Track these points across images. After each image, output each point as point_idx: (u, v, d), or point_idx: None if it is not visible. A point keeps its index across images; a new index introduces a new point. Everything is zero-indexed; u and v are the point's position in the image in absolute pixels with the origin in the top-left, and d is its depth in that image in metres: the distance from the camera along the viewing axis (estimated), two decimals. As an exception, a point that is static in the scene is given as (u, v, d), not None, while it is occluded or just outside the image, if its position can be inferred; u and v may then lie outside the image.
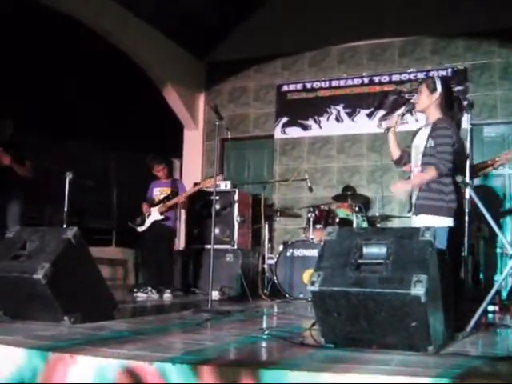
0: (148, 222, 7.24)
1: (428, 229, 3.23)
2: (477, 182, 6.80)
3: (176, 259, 7.66)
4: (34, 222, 7.69)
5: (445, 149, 4.02)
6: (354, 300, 3.04)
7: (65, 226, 6.10)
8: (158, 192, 7.39)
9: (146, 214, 7.25)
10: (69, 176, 6.22)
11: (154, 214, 7.21)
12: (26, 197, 6.57)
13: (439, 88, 4.19)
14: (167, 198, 7.22)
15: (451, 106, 4.27)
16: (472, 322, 4.01)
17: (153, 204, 7.29)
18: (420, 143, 4.25)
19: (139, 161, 9.92)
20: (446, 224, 3.99)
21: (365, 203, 8.19)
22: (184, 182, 7.88)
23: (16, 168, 6.41)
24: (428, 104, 4.24)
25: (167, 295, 6.95)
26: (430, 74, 8.60)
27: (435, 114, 4.22)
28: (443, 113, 4.21)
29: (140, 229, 7.30)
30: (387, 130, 4.47)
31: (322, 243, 3.48)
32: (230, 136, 6.19)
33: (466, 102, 5.17)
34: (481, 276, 6.77)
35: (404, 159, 4.53)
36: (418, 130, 4.43)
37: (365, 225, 7.74)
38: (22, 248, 4.20)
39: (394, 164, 4.68)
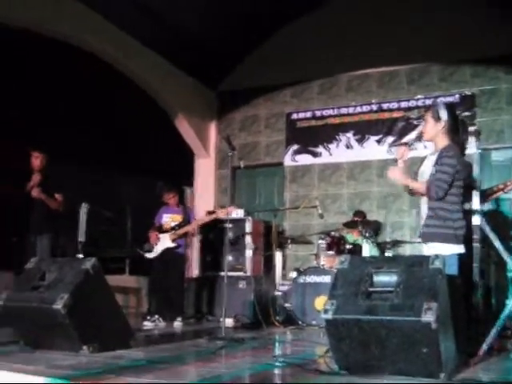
0: (159, 249, 7.28)
1: (437, 257, 3.31)
2: (487, 206, 6.83)
3: (189, 286, 7.72)
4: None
5: (442, 176, 4.04)
6: (366, 327, 3.11)
7: (81, 255, 6.20)
8: (169, 219, 7.43)
9: (155, 241, 7.28)
10: (85, 207, 6.32)
11: (165, 241, 7.26)
12: (56, 230, 6.63)
13: (444, 116, 4.21)
14: (178, 226, 7.29)
15: (457, 131, 4.29)
16: (484, 346, 4.05)
17: (161, 230, 7.34)
18: (425, 170, 4.28)
19: (151, 189, 10.06)
20: (455, 251, 4.00)
21: (375, 229, 8.24)
22: (196, 210, 7.94)
23: (48, 202, 6.48)
24: (435, 133, 4.26)
25: (177, 323, 6.99)
26: (438, 100, 8.71)
27: (442, 141, 4.24)
28: (450, 139, 4.23)
29: (149, 255, 7.32)
30: (395, 161, 4.51)
31: (333, 269, 3.55)
32: (242, 165, 6.28)
33: (473, 129, 5.21)
34: (492, 300, 6.77)
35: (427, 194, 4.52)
36: (426, 156, 4.46)
37: (375, 250, 7.79)
38: (42, 279, 4.30)
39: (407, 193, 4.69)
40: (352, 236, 8.00)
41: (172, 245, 7.22)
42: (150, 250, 7.31)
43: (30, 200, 6.42)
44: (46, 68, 8.72)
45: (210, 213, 8.26)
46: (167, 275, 7.20)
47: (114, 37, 8.17)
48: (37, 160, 6.56)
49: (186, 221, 7.35)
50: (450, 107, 4.53)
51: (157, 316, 7.05)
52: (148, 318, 7.11)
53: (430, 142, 4.43)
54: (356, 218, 7.86)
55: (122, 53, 8.39)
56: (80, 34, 7.72)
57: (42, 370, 3.30)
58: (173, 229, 7.28)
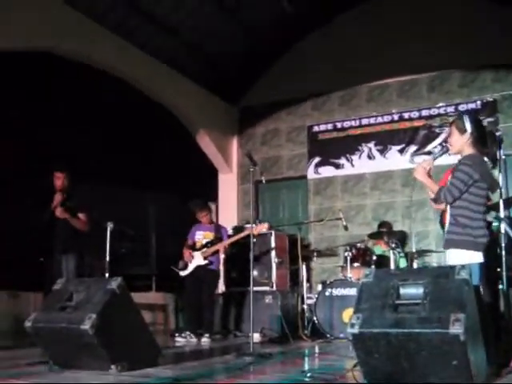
0: (191, 267, 7.33)
1: (463, 267, 3.27)
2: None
3: (215, 302, 7.73)
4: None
5: (455, 182, 4.01)
6: (394, 341, 3.08)
7: (107, 275, 6.26)
8: (201, 236, 7.50)
9: (189, 259, 7.35)
10: (110, 226, 6.39)
11: (198, 259, 7.31)
12: (81, 250, 6.66)
13: (469, 128, 4.14)
14: (211, 243, 7.34)
15: (484, 142, 4.23)
16: (515, 357, 3.99)
17: (194, 248, 7.41)
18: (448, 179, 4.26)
19: (176, 205, 10.11)
20: (474, 259, 3.95)
21: (401, 239, 8.19)
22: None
23: (72, 221, 6.53)
24: (460, 145, 4.20)
25: (205, 339, 7.01)
26: (459, 107, 8.67)
27: (468, 152, 4.17)
28: (477, 151, 4.16)
29: (182, 273, 7.39)
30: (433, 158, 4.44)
31: (359, 282, 3.53)
32: (264, 180, 6.29)
33: (497, 135, 5.15)
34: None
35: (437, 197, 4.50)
36: (450, 166, 4.42)
37: (403, 261, 7.73)
38: (69, 299, 4.34)
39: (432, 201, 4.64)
40: (379, 247, 7.95)
41: (203, 262, 7.27)
42: (183, 268, 7.37)
43: (54, 220, 6.49)
44: (74, 90, 8.86)
45: (236, 229, 8.32)
46: (200, 292, 7.26)
47: (135, 57, 8.29)
48: (59, 180, 6.61)
49: (218, 238, 7.39)
50: (475, 118, 4.48)
51: (188, 332, 7.08)
52: (180, 334, 7.14)
53: (457, 154, 4.35)
54: (382, 229, 7.82)
55: (144, 72, 8.50)
56: (104, 59, 7.87)
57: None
58: (205, 246, 7.33)
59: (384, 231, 7.62)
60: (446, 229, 4.17)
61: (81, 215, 6.60)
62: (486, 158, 4.22)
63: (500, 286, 4.55)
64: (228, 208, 10.31)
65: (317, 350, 6.09)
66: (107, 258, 6.42)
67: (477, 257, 3.97)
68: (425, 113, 9.03)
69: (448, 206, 4.20)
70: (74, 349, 4.17)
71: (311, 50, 9.85)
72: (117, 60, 7.99)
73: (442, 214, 4.78)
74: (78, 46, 7.42)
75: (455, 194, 4.02)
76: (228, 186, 10.43)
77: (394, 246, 7.22)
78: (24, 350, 5.52)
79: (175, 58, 8.88)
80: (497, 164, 4.42)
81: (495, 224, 4.60)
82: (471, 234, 3.99)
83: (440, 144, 8.55)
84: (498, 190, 4.43)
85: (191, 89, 9.45)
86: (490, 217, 4.07)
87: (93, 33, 7.55)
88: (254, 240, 6.82)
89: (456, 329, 2.94)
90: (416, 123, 9.05)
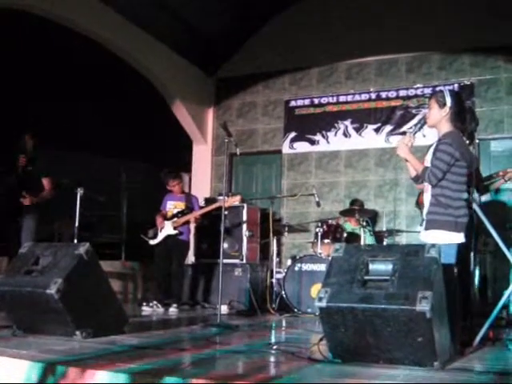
0: (161, 236, 7.30)
1: (433, 246, 3.29)
2: (487, 197, 6.82)
3: (185, 273, 7.72)
4: (43, 235, 7.75)
5: (438, 163, 3.99)
6: (361, 316, 3.09)
7: (76, 240, 6.19)
8: (172, 206, 7.46)
9: (160, 228, 7.31)
10: (80, 191, 6.31)
11: (168, 228, 7.27)
12: (40, 212, 6.57)
13: (449, 102, 4.12)
14: (181, 213, 7.30)
15: (463, 118, 4.20)
16: (479, 336, 4.04)
17: (166, 217, 7.36)
18: (429, 159, 4.23)
19: (148, 174, 10.03)
20: (455, 239, 3.94)
21: (372, 217, 8.24)
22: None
23: (41, 201, 6.48)
24: (438, 119, 4.17)
25: (173, 309, 7.00)
26: (437, 89, 8.67)
27: (445, 128, 4.16)
28: (454, 126, 4.15)
29: (152, 242, 7.35)
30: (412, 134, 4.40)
31: (329, 258, 3.53)
32: (239, 153, 6.24)
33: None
34: (488, 290, 6.79)
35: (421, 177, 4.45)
36: (432, 144, 4.38)
37: (372, 239, 7.79)
38: (35, 263, 4.29)
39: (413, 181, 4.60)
40: (350, 225, 8.00)
41: (173, 232, 7.23)
42: (153, 237, 7.33)
43: (20, 184, 6.40)
44: (43, 50, 8.68)
45: (208, 200, 8.29)
46: (169, 261, 7.25)
47: (113, 22, 8.13)
48: (29, 142, 6.51)
49: (190, 208, 7.35)
50: (456, 94, 4.46)
51: (155, 302, 7.07)
52: (144, 303, 7.14)
53: (432, 127, 4.32)
54: (353, 207, 7.84)
55: (122, 37, 8.35)
56: (82, 23, 7.69)
57: (34, 355, 3.29)
58: (175, 216, 7.28)
59: (355, 209, 7.63)
60: (427, 209, 4.13)
61: (45, 182, 6.53)
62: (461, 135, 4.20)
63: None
64: (201, 179, 10.24)
65: (284, 323, 6.12)
66: (76, 224, 6.35)
67: (457, 237, 3.96)
68: (402, 93, 9.03)
69: (429, 186, 4.16)
70: (38, 314, 4.12)
71: (291, 23, 9.74)
72: (93, 23, 7.82)
73: (420, 193, 4.77)
74: (56, 7, 7.24)
75: (439, 175, 3.99)
76: (202, 157, 10.35)
77: (364, 223, 7.27)
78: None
79: (154, 26, 8.72)
80: (474, 141, 4.40)
81: None
82: (453, 215, 3.97)
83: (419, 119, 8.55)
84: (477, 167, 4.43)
85: (169, 57, 9.31)
86: (463, 196, 4.05)
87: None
88: (226, 212, 6.81)
89: (423, 306, 2.96)
90: (393, 103, 9.05)
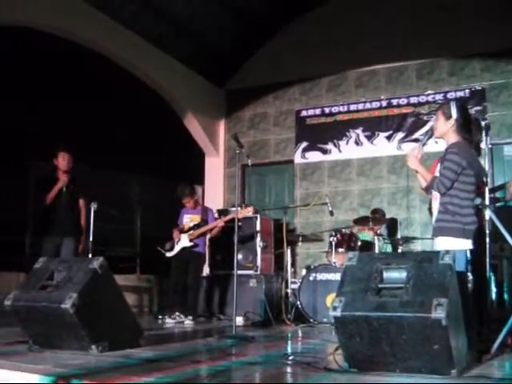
0: (177, 248, 7.33)
1: (447, 252, 3.27)
2: (500, 203, 6.76)
3: (200, 285, 7.72)
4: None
5: (445, 172, 4.03)
6: (376, 324, 3.07)
7: (90, 255, 6.22)
8: (188, 219, 7.51)
9: (176, 240, 7.35)
10: (94, 206, 6.34)
11: (184, 241, 7.31)
12: (81, 234, 6.71)
13: (454, 114, 4.17)
14: (197, 226, 7.34)
15: (469, 129, 4.27)
16: (496, 343, 4.00)
17: (182, 231, 7.41)
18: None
19: (162, 187, 10.05)
20: (463, 246, 3.97)
21: (390, 226, 8.20)
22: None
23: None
24: (445, 131, 4.23)
25: (188, 322, 6.99)
26: (448, 95, 8.66)
27: (453, 138, 4.21)
28: (462, 137, 4.19)
29: (169, 254, 7.39)
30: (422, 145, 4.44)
31: (344, 267, 3.52)
32: (250, 163, 6.25)
33: (483, 123, 5.16)
34: (505, 297, 6.71)
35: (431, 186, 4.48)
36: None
37: (388, 247, 7.74)
38: (50, 278, 4.30)
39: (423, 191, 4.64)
40: (365, 234, 7.93)
41: (189, 244, 7.26)
42: (170, 249, 7.36)
43: (57, 202, 6.49)
44: (55, 67, 8.77)
45: (220, 212, 8.30)
46: (185, 274, 7.28)
47: (123, 37, 8.20)
48: (64, 160, 6.58)
49: (205, 221, 7.39)
50: (462, 105, 4.49)
51: (177, 313, 7.07)
52: (168, 315, 7.11)
53: (440, 139, 4.40)
54: (375, 215, 7.76)
55: (132, 53, 8.42)
56: (94, 40, 7.79)
57: (50, 369, 3.29)
58: (192, 229, 7.33)
59: (369, 217, 7.59)
60: (436, 217, 4.18)
61: (81, 201, 6.68)
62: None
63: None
64: (214, 191, 10.28)
65: (299, 333, 6.10)
66: (90, 239, 6.38)
67: (466, 244, 3.99)
68: (413, 100, 9.02)
69: (438, 195, 4.20)
70: (54, 328, 4.13)
71: (300, 34, 9.79)
72: (103, 39, 7.90)
73: (431, 201, 4.76)
74: (63, 22, 7.31)
75: (447, 184, 4.04)
76: (215, 169, 10.39)
77: (378, 232, 7.23)
78: (3, 329, 5.46)
79: (163, 39, 8.79)
80: (480, 152, 4.43)
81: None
82: (460, 222, 4.01)
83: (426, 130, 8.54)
84: (485, 178, 4.43)
85: (179, 70, 9.37)
86: (476, 202, 4.06)
87: (78, 10, 7.45)
88: (239, 223, 6.81)
89: (438, 313, 2.93)
90: (404, 110, 9.04)
